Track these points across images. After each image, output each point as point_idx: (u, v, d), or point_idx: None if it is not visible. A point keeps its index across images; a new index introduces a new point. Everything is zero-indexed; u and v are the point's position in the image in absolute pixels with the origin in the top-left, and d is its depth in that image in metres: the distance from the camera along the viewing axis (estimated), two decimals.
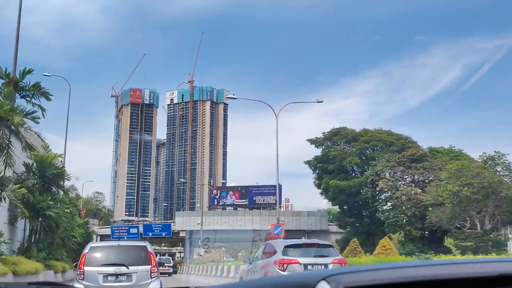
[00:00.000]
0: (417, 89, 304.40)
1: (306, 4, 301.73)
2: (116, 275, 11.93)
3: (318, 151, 63.42)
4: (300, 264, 13.33)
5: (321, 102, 41.14)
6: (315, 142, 63.77)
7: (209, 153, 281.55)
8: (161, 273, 15.12)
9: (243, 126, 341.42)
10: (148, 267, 12.13)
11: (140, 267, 12.10)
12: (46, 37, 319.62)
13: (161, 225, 75.08)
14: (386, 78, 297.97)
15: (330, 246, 15.21)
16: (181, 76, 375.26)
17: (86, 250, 12.52)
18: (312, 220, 72.09)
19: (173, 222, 78.33)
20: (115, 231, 74.85)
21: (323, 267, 13.31)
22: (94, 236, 72.68)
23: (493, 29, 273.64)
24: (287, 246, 14.08)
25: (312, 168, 63.69)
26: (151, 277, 12.10)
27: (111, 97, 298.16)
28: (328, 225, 73.95)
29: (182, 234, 71.01)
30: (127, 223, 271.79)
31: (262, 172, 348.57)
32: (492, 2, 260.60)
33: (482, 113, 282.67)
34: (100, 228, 79.15)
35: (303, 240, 17.60)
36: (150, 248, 12.88)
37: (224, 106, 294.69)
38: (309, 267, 13.24)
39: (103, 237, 76.52)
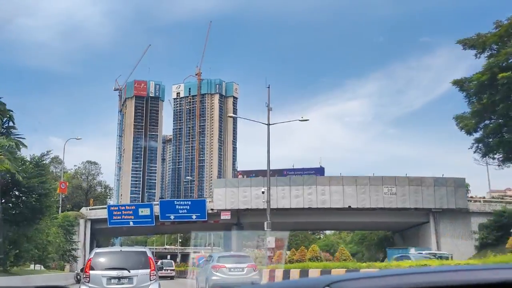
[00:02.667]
0: (421, 90, 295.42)
1: (310, 5, 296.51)
2: (119, 278, 12.53)
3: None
4: (226, 267, 19.34)
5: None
6: (473, 44, 33.44)
7: (218, 149, 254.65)
8: (162, 277, 21.13)
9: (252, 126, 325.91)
10: (148, 270, 12.73)
11: (140, 271, 12.67)
12: (51, 41, 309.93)
13: (189, 202, 44.92)
14: (390, 80, 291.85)
15: (247, 256, 22.26)
16: (187, 70, 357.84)
17: (91, 255, 13.16)
18: (442, 192, 41.61)
19: (209, 199, 47.79)
20: (115, 212, 44.69)
21: (241, 269, 19.41)
22: (81, 221, 42.44)
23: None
24: (220, 257, 20.70)
25: (470, 91, 33.31)
26: (150, 280, 12.74)
27: (114, 90, 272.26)
28: (468, 200, 43.41)
29: (224, 216, 40.56)
30: None
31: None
32: (496, 3, 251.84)
33: None
34: (90, 209, 48.57)
35: (230, 253, 24.95)
36: (150, 253, 13.55)
37: (234, 100, 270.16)
38: (231, 269, 19.28)
39: (96, 223, 46.09)
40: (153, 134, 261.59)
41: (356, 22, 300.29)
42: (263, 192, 34.44)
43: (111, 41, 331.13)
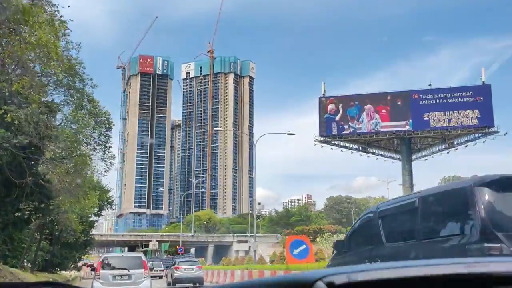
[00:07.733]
0: None
1: (313, 5, 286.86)
2: (121, 275, 16.48)
3: None
4: (182, 268, 29.47)
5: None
6: None
7: (233, 135, 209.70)
8: (152, 276, 25.67)
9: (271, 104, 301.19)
10: (142, 270, 16.81)
11: (137, 270, 16.67)
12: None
13: None
14: (395, 79, 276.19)
15: (197, 261, 34.24)
16: (197, 50, 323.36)
17: (101, 259, 17.62)
18: None
19: None
20: None
21: (192, 269, 29.65)
22: None
23: (501, 29, 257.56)
24: (179, 261, 31.88)
25: None
26: (144, 277, 16.75)
27: (117, 68, 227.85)
28: None
29: None
30: (137, 216, 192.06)
31: (304, 161, 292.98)
32: (500, 2, 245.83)
33: None
34: None
35: (186, 259, 38.42)
36: (144, 257, 18.15)
37: (250, 80, 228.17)
38: (186, 269, 29.45)
39: None
40: (161, 117, 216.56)
41: (360, 21, 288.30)
42: None
43: (113, 40, 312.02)
